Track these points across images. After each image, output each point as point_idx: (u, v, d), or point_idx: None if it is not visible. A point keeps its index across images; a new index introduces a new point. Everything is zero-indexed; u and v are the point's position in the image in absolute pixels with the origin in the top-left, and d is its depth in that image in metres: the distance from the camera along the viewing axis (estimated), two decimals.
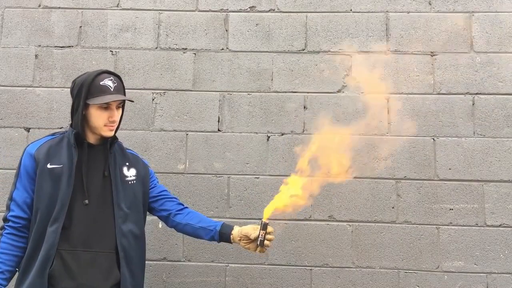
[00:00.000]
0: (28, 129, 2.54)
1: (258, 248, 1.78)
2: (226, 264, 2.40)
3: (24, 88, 2.58)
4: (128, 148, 1.94)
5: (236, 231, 1.83)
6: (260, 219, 1.81)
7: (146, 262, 2.40)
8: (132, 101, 1.84)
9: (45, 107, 2.55)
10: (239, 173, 2.47)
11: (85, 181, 1.72)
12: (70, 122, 1.81)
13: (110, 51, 2.60)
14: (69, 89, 1.84)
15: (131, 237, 1.76)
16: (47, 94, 2.56)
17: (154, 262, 2.42)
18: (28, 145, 1.79)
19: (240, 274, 2.39)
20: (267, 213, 1.83)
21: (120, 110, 1.82)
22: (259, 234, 1.76)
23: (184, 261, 2.42)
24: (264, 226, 1.77)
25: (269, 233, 1.78)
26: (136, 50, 2.59)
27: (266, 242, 1.77)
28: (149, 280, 2.40)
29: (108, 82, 1.75)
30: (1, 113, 2.56)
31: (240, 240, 1.82)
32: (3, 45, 2.61)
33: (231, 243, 1.85)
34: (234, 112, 2.52)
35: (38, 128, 2.51)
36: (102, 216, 1.73)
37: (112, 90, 1.74)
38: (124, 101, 1.83)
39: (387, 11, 2.55)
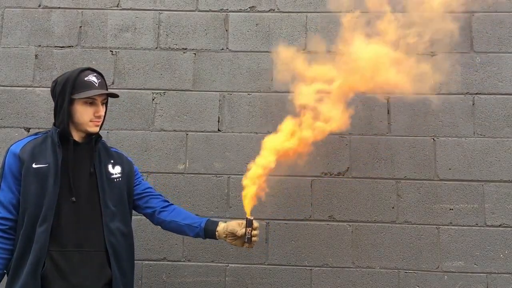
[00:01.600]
0: (28, 129, 2.54)
1: (246, 245, 1.80)
2: (226, 264, 2.40)
3: (24, 88, 2.58)
4: (112, 147, 1.94)
5: (222, 228, 1.83)
6: (246, 217, 1.82)
7: (146, 262, 2.41)
8: (117, 96, 1.83)
9: (45, 107, 2.55)
10: (239, 173, 2.47)
11: (72, 179, 1.71)
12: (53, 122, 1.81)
13: (110, 51, 2.60)
14: None
15: (119, 235, 1.76)
16: (47, 94, 2.54)
17: (154, 262, 2.42)
18: (12, 145, 1.77)
19: (240, 274, 2.39)
20: (248, 208, 1.86)
21: (104, 106, 1.82)
22: (245, 232, 1.78)
23: (184, 261, 2.42)
24: (249, 223, 1.79)
25: (254, 229, 1.80)
26: (136, 50, 2.59)
27: (253, 238, 1.79)
28: (149, 280, 2.40)
29: (93, 78, 1.76)
30: (1, 113, 2.56)
31: (226, 237, 1.82)
32: (3, 45, 2.61)
33: (217, 239, 1.86)
34: (234, 112, 2.52)
35: (38, 128, 2.51)
36: (90, 215, 1.72)
37: (97, 85, 1.75)
38: (107, 99, 1.84)
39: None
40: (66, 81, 1.73)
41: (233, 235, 1.81)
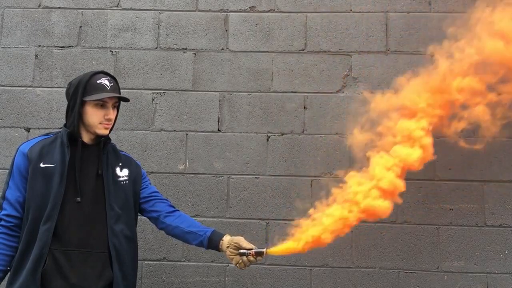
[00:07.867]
0: (28, 129, 2.54)
1: (240, 261, 1.78)
2: (226, 264, 2.40)
3: (24, 88, 2.58)
4: (121, 150, 1.95)
5: (227, 239, 1.82)
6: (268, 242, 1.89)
7: (146, 262, 2.41)
8: (128, 100, 1.85)
9: (45, 107, 2.55)
10: (239, 173, 2.47)
11: (78, 180, 1.72)
12: (64, 123, 1.82)
13: (110, 51, 2.60)
14: None
15: (122, 238, 1.76)
16: (47, 94, 2.56)
17: (154, 262, 2.42)
18: (22, 144, 1.80)
19: (240, 274, 2.39)
20: (276, 250, 1.86)
21: (116, 110, 1.84)
22: (249, 249, 1.77)
23: (184, 261, 2.42)
24: (260, 252, 1.78)
25: (256, 257, 1.78)
26: (136, 50, 2.59)
27: (250, 258, 1.77)
28: (149, 280, 2.40)
29: (105, 81, 1.78)
30: (1, 113, 2.56)
31: (228, 247, 1.80)
32: (3, 45, 2.61)
33: (219, 251, 1.84)
34: (234, 112, 2.52)
35: (38, 128, 2.51)
36: (94, 216, 1.73)
37: (108, 88, 1.77)
38: (119, 103, 1.84)
39: (387, 11, 2.55)
40: (79, 83, 1.76)
41: (236, 246, 1.80)
